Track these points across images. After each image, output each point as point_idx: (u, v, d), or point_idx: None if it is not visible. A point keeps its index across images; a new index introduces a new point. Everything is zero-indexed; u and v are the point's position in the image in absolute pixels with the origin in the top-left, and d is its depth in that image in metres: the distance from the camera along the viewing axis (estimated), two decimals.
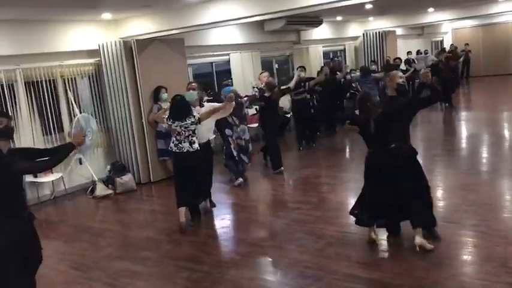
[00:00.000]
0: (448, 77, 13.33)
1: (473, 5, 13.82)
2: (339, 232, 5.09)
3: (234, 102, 6.25)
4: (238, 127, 7.30)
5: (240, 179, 7.35)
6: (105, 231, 6.01)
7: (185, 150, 5.59)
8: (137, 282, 4.46)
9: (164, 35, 7.75)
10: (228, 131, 7.23)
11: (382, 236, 4.75)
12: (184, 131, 5.57)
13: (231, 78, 10.22)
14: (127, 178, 7.72)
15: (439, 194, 6.03)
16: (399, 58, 13.88)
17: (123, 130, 8.00)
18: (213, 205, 6.39)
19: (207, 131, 6.20)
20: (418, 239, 4.32)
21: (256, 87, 8.29)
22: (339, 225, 5.28)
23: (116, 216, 6.83)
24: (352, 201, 5.07)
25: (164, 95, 7.83)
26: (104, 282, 4.45)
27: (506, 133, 9.75)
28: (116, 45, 7.74)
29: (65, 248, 5.53)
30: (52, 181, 7.46)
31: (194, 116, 5.60)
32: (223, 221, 6.01)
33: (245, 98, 7.64)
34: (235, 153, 7.29)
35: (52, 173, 7.29)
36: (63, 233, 6.13)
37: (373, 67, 13.21)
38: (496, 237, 4.50)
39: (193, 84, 7.46)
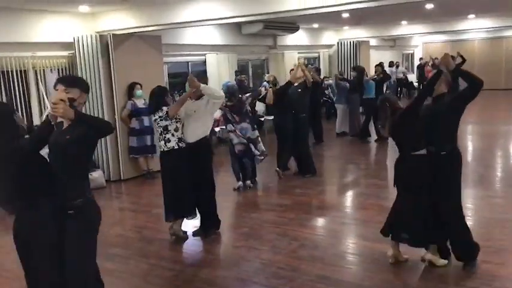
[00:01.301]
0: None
1: (444, 20, 14.26)
2: (312, 234, 5.13)
3: (195, 88, 4.91)
4: (239, 124, 6.70)
5: (240, 183, 7.01)
6: None
7: (161, 150, 5.13)
8: (107, 278, 4.30)
9: (142, 31, 7.67)
10: (229, 126, 6.77)
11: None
12: (156, 127, 5.12)
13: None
14: (97, 174, 7.57)
15: None
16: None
17: None
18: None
19: (195, 129, 5.09)
20: (429, 255, 4.06)
21: (266, 82, 8.14)
22: (312, 228, 5.32)
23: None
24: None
25: (139, 92, 7.74)
26: None
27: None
28: (91, 38, 7.60)
29: None
30: None
31: (162, 110, 5.01)
32: (197, 221, 5.96)
33: (247, 95, 7.01)
34: (238, 148, 6.77)
35: None
36: None
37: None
38: None
39: None
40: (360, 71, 10.96)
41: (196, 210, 5.26)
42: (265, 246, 4.90)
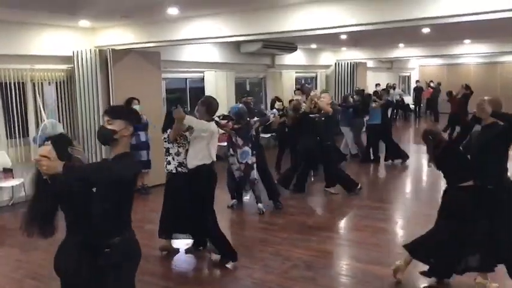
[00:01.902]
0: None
1: (440, 44, 14.45)
2: (305, 255, 5.12)
3: (180, 119, 4.74)
4: (241, 149, 6.50)
5: (234, 201, 7.10)
6: None
7: (166, 170, 5.15)
8: None
9: (141, 47, 7.73)
10: (231, 150, 6.62)
11: None
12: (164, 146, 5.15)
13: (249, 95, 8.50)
14: None
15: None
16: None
17: (91, 139, 7.84)
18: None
19: (192, 155, 4.95)
20: (479, 278, 4.01)
21: (276, 109, 8.19)
22: (305, 248, 5.30)
23: None
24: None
25: (136, 107, 7.75)
26: None
27: None
28: (90, 53, 7.66)
29: (21, 256, 5.33)
30: (12, 187, 7.21)
31: (167, 132, 5.04)
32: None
33: (255, 119, 6.82)
34: (236, 174, 6.69)
35: (13, 178, 7.05)
36: (20, 240, 5.86)
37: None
38: None
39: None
40: (363, 94, 10.99)
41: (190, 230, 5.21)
42: (257, 265, 4.87)
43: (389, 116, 11.44)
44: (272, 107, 11.11)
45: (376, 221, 6.26)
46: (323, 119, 7.56)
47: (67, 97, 8.03)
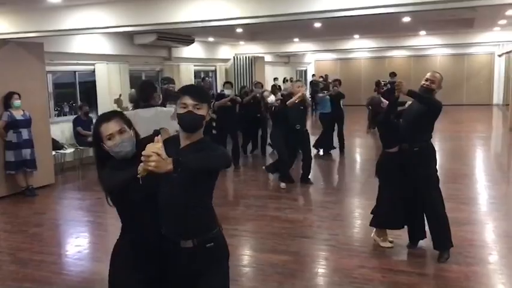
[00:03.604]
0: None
1: (332, 40, 15.15)
2: None
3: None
4: None
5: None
6: None
7: None
8: None
9: (20, 37, 7.13)
10: None
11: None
12: None
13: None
14: None
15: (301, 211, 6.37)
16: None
17: None
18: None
19: None
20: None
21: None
22: None
23: None
24: None
25: (17, 102, 7.15)
26: None
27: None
28: None
29: None
30: None
31: None
32: (77, 239, 5.61)
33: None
34: None
35: None
36: None
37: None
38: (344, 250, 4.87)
39: None
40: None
41: None
42: None
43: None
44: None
45: (273, 211, 6.39)
46: (301, 107, 7.48)
47: None
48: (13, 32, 6.95)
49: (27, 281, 4.38)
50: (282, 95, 8.98)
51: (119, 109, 6.07)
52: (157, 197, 2.33)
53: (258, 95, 10.03)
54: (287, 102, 7.21)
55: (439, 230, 4.46)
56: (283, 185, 7.48)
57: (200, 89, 2.47)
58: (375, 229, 4.91)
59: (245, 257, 4.87)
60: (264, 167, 8.39)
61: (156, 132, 2.57)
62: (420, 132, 4.50)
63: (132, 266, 2.42)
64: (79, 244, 5.42)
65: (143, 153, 2.02)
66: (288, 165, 7.68)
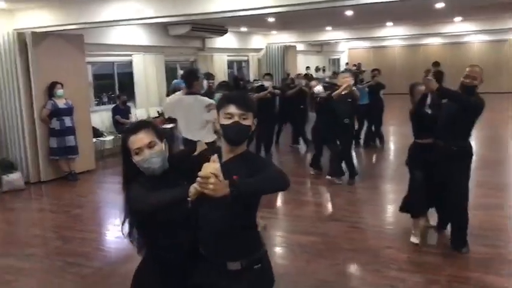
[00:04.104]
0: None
1: (366, 27, 15.04)
2: None
3: None
4: None
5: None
6: None
7: None
8: (21, 278, 4.28)
9: (62, 30, 7.50)
10: None
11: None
12: None
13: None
14: (15, 176, 7.29)
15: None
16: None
17: (12, 125, 7.54)
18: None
19: None
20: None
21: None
22: None
23: (1, 214, 6.42)
24: None
25: (59, 91, 7.55)
26: None
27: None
28: (9, 36, 7.33)
29: None
30: None
31: None
32: (116, 220, 5.94)
33: None
34: None
35: None
36: None
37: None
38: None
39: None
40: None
41: None
42: None
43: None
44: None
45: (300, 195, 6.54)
46: (349, 100, 6.94)
47: None
48: (55, 24, 7.31)
49: (70, 255, 4.71)
50: (325, 85, 8.37)
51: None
52: (199, 216, 2.14)
53: (302, 86, 9.61)
54: (332, 94, 6.78)
55: (458, 231, 4.35)
56: (338, 180, 6.97)
57: (246, 97, 2.20)
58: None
59: (276, 237, 5.06)
60: (311, 171, 7.62)
61: (216, 150, 2.17)
62: (458, 131, 4.21)
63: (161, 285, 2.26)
64: (118, 224, 5.74)
65: (200, 174, 1.79)
66: (338, 158, 7.13)
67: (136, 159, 2.16)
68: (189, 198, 1.87)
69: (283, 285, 3.97)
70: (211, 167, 1.80)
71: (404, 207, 4.83)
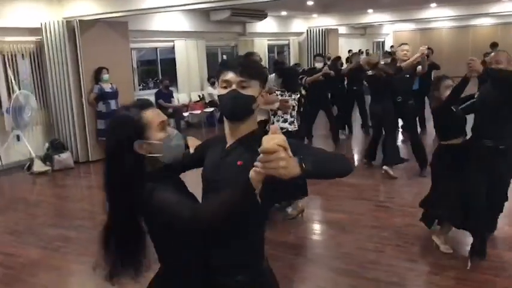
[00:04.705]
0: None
1: (410, 9, 14.74)
2: None
3: None
4: None
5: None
6: (41, 202, 6.19)
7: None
8: (69, 245, 4.72)
9: (108, 17, 7.92)
10: None
11: None
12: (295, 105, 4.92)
13: None
14: (65, 156, 7.85)
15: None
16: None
17: (62, 109, 8.10)
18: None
19: None
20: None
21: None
22: None
23: (52, 190, 6.97)
24: None
25: (105, 76, 8.02)
26: (37, 246, 4.68)
27: None
28: (58, 24, 7.84)
29: None
30: None
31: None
32: None
33: None
34: None
35: None
36: None
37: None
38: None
39: None
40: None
41: None
42: None
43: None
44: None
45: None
46: (407, 76, 6.38)
47: (38, 68, 8.22)
48: (101, 13, 7.73)
49: None
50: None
51: None
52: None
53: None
54: (403, 64, 6.08)
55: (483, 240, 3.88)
56: (391, 172, 6.35)
57: (247, 62, 1.81)
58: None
59: (305, 214, 5.27)
60: (383, 168, 6.52)
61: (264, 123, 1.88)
62: (505, 125, 3.73)
63: None
64: None
65: (263, 148, 1.30)
66: (394, 145, 6.60)
67: (159, 136, 1.72)
68: (256, 191, 1.42)
69: (307, 256, 4.22)
70: (278, 138, 1.32)
71: (431, 214, 4.16)
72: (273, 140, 1.32)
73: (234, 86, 1.70)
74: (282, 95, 4.84)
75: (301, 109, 6.35)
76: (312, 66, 9.28)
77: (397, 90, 6.30)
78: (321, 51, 15.69)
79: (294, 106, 4.87)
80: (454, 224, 3.99)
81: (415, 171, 6.46)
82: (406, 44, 6.47)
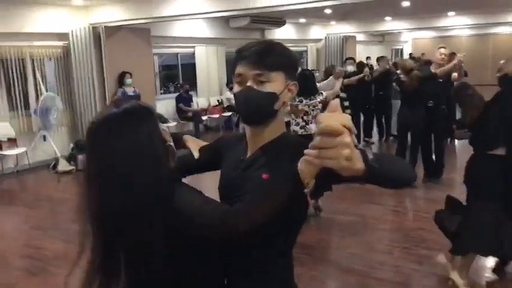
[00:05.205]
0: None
1: (427, 17, 14.81)
2: None
3: None
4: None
5: None
6: (65, 200, 6.48)
7: (313, 132, 5.01)
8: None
9: (131, 24, 8.24)
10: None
11: None
12: (312, 109, 5.11)
13: None
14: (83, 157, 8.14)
15: None
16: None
17: (87, 111, 8.44)
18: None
19: None
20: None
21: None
22: None
23: (77, 188, 7.26)
24: None
25: (128, 80, 8.34)
26: (62, 240, 4.95)
27: None
28: (85, 30, 8.19)
29: (26, 212, 6.00)
30: (16, 155, 7.83)
31: (322, 94, 5.22)
32: None
33: None
34: None
35: (17, 147, 7.68)
36: (26, 200, 6.58)
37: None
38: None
39: None
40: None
41: None
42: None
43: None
44: None
45: None
46: (440, 80, 6.13)
47: (64, 72, 8.58)
48: (125, 19, 8.07)
49: None
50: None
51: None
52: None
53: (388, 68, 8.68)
54: (437, 71, 5.83)
55: None
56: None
57: (264, 48, 1.38)
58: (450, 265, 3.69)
59: (319, 217, 5.46)
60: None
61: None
62: None
63: None
64: None
65: (324, 127, 0.97)
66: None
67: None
68: (306, 190, 1.12)
69: (318, 256, 4.40)
70: (343, 117, 0.99)
71: (458, 246, 3.58)
72: (336, 117, 0.98)
73: (249, 82, 1.35)
74: (300, 101, 5.02)
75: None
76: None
77: (429, 95, 6.10)
78: (339, 58, 15.84)
79: (306, 111, 5.06)
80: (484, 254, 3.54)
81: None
82: (444, 47, 6.14)
